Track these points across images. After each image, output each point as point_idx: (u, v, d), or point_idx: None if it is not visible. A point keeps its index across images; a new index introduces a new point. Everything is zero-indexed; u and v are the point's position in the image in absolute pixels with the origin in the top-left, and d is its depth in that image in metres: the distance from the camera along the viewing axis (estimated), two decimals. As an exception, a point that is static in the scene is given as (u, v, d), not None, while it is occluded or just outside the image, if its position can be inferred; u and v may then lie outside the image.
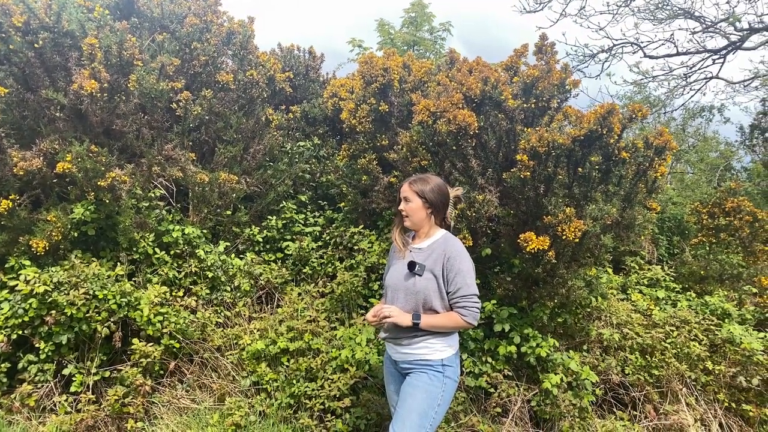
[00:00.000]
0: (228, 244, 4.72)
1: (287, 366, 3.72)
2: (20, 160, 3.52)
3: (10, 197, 3.59)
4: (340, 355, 3.58)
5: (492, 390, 3.60)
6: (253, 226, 5.03)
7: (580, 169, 3.50)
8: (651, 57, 9.81)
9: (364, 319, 2.54)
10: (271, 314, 4.33)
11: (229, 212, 4.86)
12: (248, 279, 4.51)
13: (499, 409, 3.54)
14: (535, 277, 3.73)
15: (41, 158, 3.61)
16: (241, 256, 4.80)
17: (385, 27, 9.81)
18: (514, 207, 3.82)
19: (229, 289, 4.45)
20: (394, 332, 2.46)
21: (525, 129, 3.77)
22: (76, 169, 3.47)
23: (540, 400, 3.59)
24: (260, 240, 4.98)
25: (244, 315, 4.29)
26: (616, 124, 3.35)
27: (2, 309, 3.49)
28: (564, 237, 3.38)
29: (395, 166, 4.69)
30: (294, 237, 5.00)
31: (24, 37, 3.46)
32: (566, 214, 3.38)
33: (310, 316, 4.13)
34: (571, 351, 3.80)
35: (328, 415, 3.37)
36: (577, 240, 3.39)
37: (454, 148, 3.69)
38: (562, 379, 3.54)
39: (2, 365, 3.42)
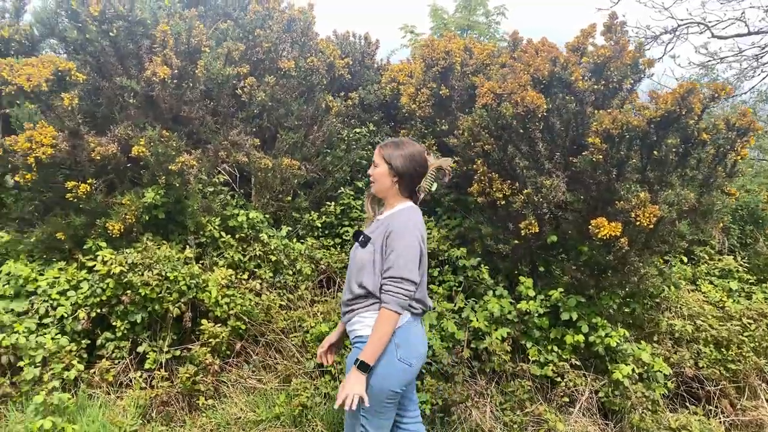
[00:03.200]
0: (289, 228, 4.79)
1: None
2: (97, 145, 3.66)
3: (88, 181, 3.74)
4: (403, 339, 3.57)
5: (558, 379, 3.53)
6: (312, 212, 5.09)
7: (655, 152, 3.35)
8: (719, 37, 9.30)
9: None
10: (333, 298, 4.37)
11: (289, 198, 4.93)
12: (309, 263, 4.57)
13: (566, 399, 3.46)
14: (605, 265, 3.62)
15: (116, 144, 3.74)
16: (301, 240, 4.86)
17: (438, 12, 9.68)
18: (583, 192, 3.70)
19: (290, 272, 4.52)
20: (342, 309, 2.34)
21: (595, 111, 3.64)
22: (149, 154, 3.57)
23: (609, 391, 3.49)
24: (319, 225, 5.03)
25: (306, 298, 4.35)
26: (696, 104, 3.18)
27: (82, 288, 3.65)
28: (638, 223, 3.25)
29: (455, 151, 4.62)
30: (351, 223, 5.03)
31: (100, 26, 3.58)
32: (640, 199, 3.25)
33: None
34: (642, 342, 3.67)
35: (393, 399, 3.38)
36: (651, 226, 3.25)
37: (520, 131, 3.60)
38: (633, 370, 3.42)
39: (83, 341, 3.57)
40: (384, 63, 6.98)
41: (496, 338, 3.58)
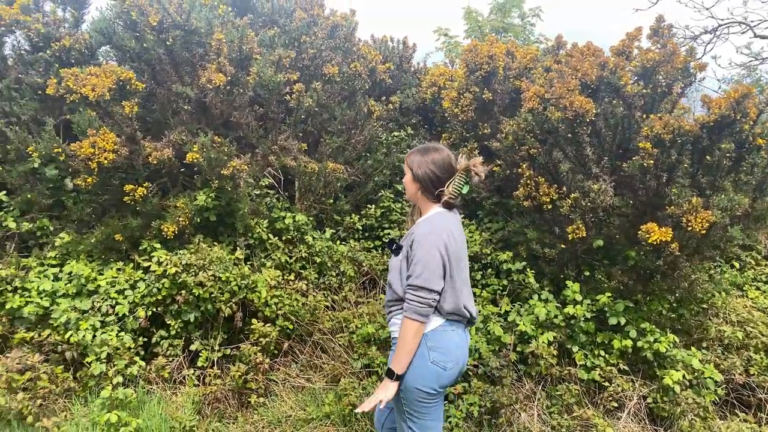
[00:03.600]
0: (333, 231, 4.88)
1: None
2: (153, 150, 3.79)
3: (144, 185, 3.88)
4: (450, 342, 3.61)
5: (606, 384, 3.52)
6: (353, 215, 5.17)
7: (708, 157, 3.32)
8: (762, 37, 9.07)
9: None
10: (376, 300, 4.43)
11: (331, 201, 5.02)
12: (352, 265, 4.64)
13: (615, 404, 3.45)
14: (653, 270, 3.60)
15: (171, 148, 3.87)
16: (343, 243, 4.94)
17: (472, 14, 9.68)
18: (631, 197, 3.69)
19: (334, 274, 4.60)
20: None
21: (644, 116, 3.63)
22: (203, 159, 3.69)
23: (658, 397, 3.47)
24: (360, 228, 5.10)
25: (351, 299, 4.43)
26: (751, 108, 3.15)
27: (139, 288, 3.79)
28: (689, 228, 3.23)
29: (498, 155, 4.65)
30: (391, 225, 5.09)
31: (157, 36, 3.72)
32: (692, 204, 3.23)
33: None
34: (692, 347, 3.63)
35: (441, 401, 3.42)
36: (703, 232, 3.23)
37: (568, 135, 3.60)
38: (684, 376, 3.40)
39: (140, 339, 3.71)
40: (421, 66, 7.03)
41: (543, 342, 3.59)
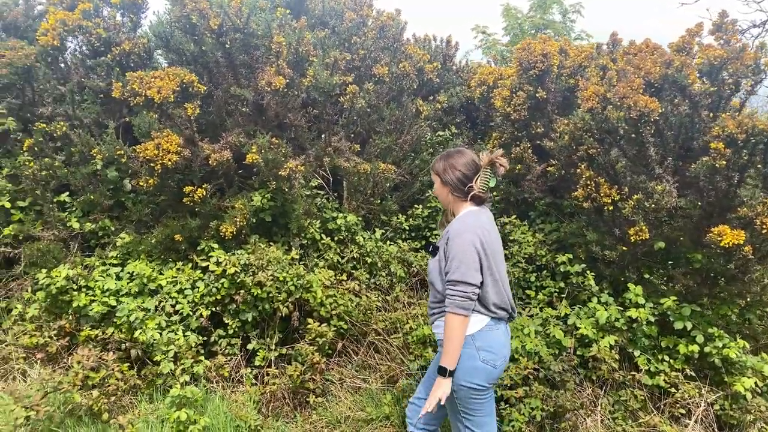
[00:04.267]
0: (383, 231, 4.88)
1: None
2: (212, 152, 3.84)
3: (203, 186, 3.94)
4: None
5: (672, 390, 3.44)
6: (400, 215, 5.16)
7: (782, 157, 3.21)
8: (815, 30, 8.74)
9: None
10: (428, 300, 4.42)
11: (378, 201, 5.02)
12: (402, 265, 4.64)
13: (682, 410, 3.37)
14: (721, 274, 3.49)
15: (229, 150, 3.92)
16: (390, 243, 4.94)
17: (511, 11, 9.58)
18: (697, 198, 3.59)
19: (384, 274, 4.60)
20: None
21: (710, 114, 3.52)
22: (261, 160, 3.73)
23: (726, 404, 3.37)
24: (407, 228, 5.09)
25: (402, 300, 4.42)
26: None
27: (199, 288, 3.85)
28: (763, 231, 3.12)
29: (551, 155, 4.58)
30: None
31: (217, 39, 3.76)
32: (766, 205, 3.12)
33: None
34: (762, 353, 3.52)
35: (502, 404, 3.39)
36: (778, 234, 3.12)
37: (632, 135, 3.52)
38: (756, 383, 3.29)
39: (200, 338, 3.77)
40: (462, 65, 6.99)
41: (604, 346, 3.53)
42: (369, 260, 4.56)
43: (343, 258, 4.53)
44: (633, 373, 3.49)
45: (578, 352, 3.65)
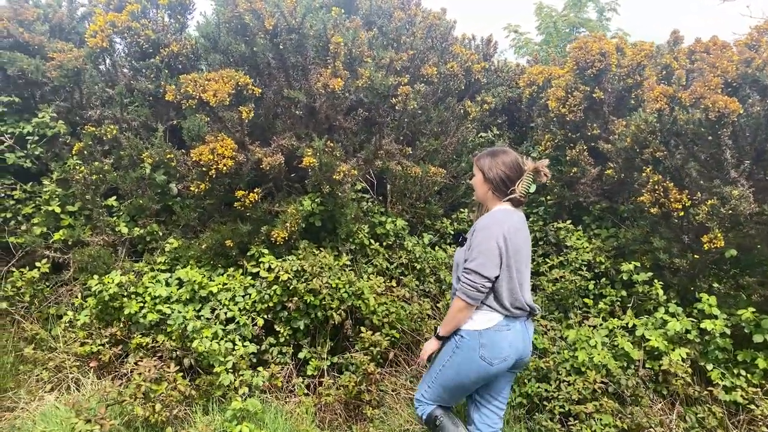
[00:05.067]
0: (431, 236, 4.75)
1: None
2: (263, 155, 3.75)
3: (254, 191, 3.84)
4: (576, 357, 3.42)
5: (751, 407, 3.25)
6: (445, 219, 5.03)
7: None
8: None
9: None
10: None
11: (423, 205, 4.90)
12: (450, 272, 4.50)
13: (764, 428, 3.19)
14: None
15: (280, 153, 3.82)
16: (435, 248, 4.81)
17: (544, 9, 9.38)
18: (775, 203, 3.41)
19: (433, 280, 4.47)
20: None
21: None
22: (317, 164, 3.62)
23: (811, 422, 3.18)
24: (452, 232, 4.95)
25: (455, 308, 4.28)
26: None
27: (251, 295, 3.76)
28: None
29: (608, 157, 4.41)
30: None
31: (271, 40, 3.66)
32: None
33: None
34: None
35: (571, 419, 3.25)
36: None
37: (708, 137, 3.35)
38: None
39: (255, 347, 3.66)
40: (501, 64, 6.83)
41: (676, 359, 3.36)
42: (418, 266, 4.43)
43: (391, 264, 4.41)
44: (710, 388, 3.31)
45: (647, 365, 3.49)
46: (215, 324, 3.43)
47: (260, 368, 3.37)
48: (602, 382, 3.36)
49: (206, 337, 3.28)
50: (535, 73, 5.06)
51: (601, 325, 3.71)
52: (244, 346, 3.31)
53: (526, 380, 3.51)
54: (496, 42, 6.83)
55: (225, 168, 3.45)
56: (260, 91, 3.58)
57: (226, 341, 3.34)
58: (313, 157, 3.61)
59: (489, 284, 2.30)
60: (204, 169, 3.54)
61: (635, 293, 3.81)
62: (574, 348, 3.56)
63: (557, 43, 9.30)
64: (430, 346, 2.56)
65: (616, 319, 3.74)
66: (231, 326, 3.49)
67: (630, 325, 3.62)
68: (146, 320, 3.51)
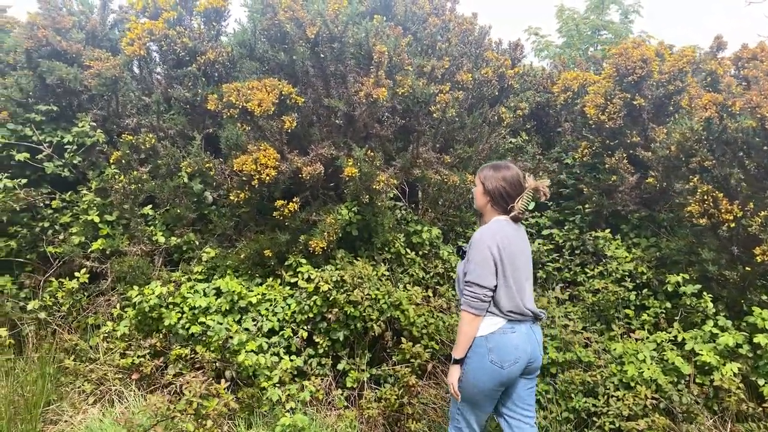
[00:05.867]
0: (463, 243, 4.70)
1: (556, 377, 3.58)
2: (303, 165, 3.71)
3: (293, 200, 3.80)
4: (625, 371, 3.36)
5: (807, 424, 3.18)
6: (476, 226, 4.97)
7: None
8: None
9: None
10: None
11: (456, 213, 4.84)
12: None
13: (823, 448, 3.11)
14: None
15: (319, 162, 3.78)
16: (469, 256, 4.76)
17: (565, 12, 9.29)
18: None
19: (468, 290, 4.41)
20: None
21: None
22: (358, 173, 3.58)
23: None
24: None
25: (492, 319, 4.22)
26: None
27: (290, 306, 3.72)
28: None
29: (648, 165, 4.33)
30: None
31: (312, 48, 3.62)
32: None
33: (566, 325, 3.95)
34: None
35: (622, 436, 3.18)
36: None
37: (764, 147, 3.28)
38: None
39: (298, 360, 3.62)
40: (527, 68, 6.76)
41: (728, 374, 3.28)
42: (453, 276, 4.37)
43: (427, 273, 4.36)
44: (764, 404, 3.23)
45: (696, 380, 3.41)
46: (259, 336, 3.38)
47: (305, 382, 3.32)
48: (653, 398, 3.29)
49: (252, 350, 3.23)
50: (570, 78, 4.99)
51: (647, 338, 3.64)
52: (291, 360, 3.25)
53: (572, 394, 3.44)
54: (522, 46, 6.77)
55: (268, 178, 3.41)
56: (303, 100, 3.53)
57: (271, 354, 3.29)
58: (354, 167, 3.57)
59: (490, 293, 2.38)
60: (245, 178, 3.50)
61: (682, 305, 3.74)
62: (621, 362, 3.49)
63: (579, 45, 9.22)
64: (454, 373, 2.52)
65: (662, 332, 3.67)
66: (275, 339, 3.44)
67: (679, 339, 3.55)
68: (187, 332, 3.48)
